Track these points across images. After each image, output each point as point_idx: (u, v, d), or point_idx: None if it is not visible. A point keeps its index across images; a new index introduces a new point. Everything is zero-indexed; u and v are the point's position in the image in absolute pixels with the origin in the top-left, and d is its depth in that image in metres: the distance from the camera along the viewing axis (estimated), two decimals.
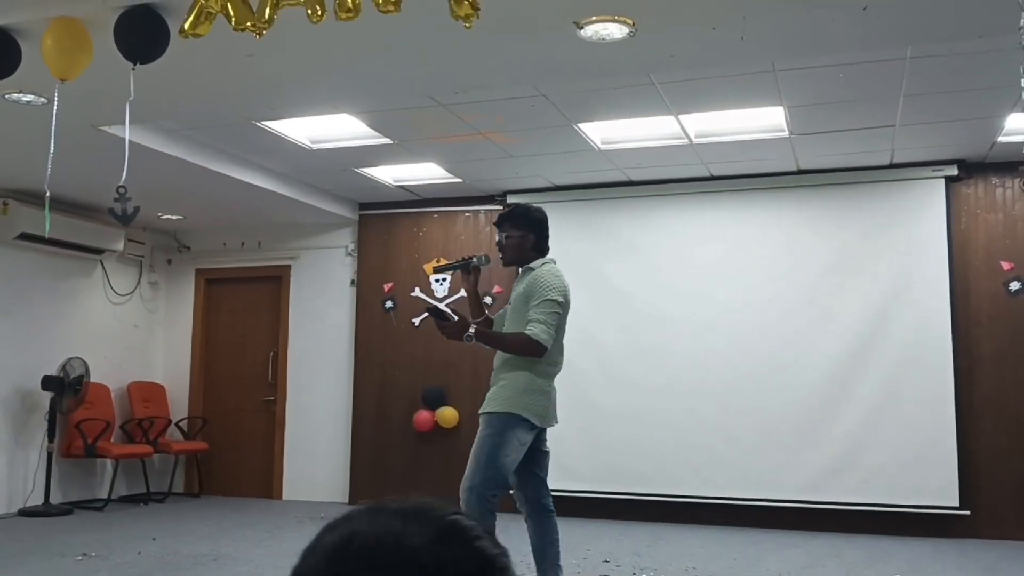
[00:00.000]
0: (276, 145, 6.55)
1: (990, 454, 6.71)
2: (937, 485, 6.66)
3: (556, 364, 4.29)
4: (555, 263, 4.34)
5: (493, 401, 4.18)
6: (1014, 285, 6.80)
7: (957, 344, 6.77)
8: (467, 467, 4.16)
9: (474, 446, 4.17)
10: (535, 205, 4.50)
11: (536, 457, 4.32)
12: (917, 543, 6.42)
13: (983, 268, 6.89)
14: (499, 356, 4.25)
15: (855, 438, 6.89)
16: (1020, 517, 6.59)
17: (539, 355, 4.12)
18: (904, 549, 6.18)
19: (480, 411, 4.21)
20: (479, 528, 0.82)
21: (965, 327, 6.83)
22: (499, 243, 4.33)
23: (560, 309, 4.16)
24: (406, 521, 0.79)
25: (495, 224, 4.43)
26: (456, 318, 4.18)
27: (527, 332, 4.07)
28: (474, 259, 4.40)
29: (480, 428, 4.17)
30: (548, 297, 4.12)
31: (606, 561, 5.73)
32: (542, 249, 4.34)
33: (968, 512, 6.62)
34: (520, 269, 4.32)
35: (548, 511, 4.36)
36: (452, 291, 8.29)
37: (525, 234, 4.28)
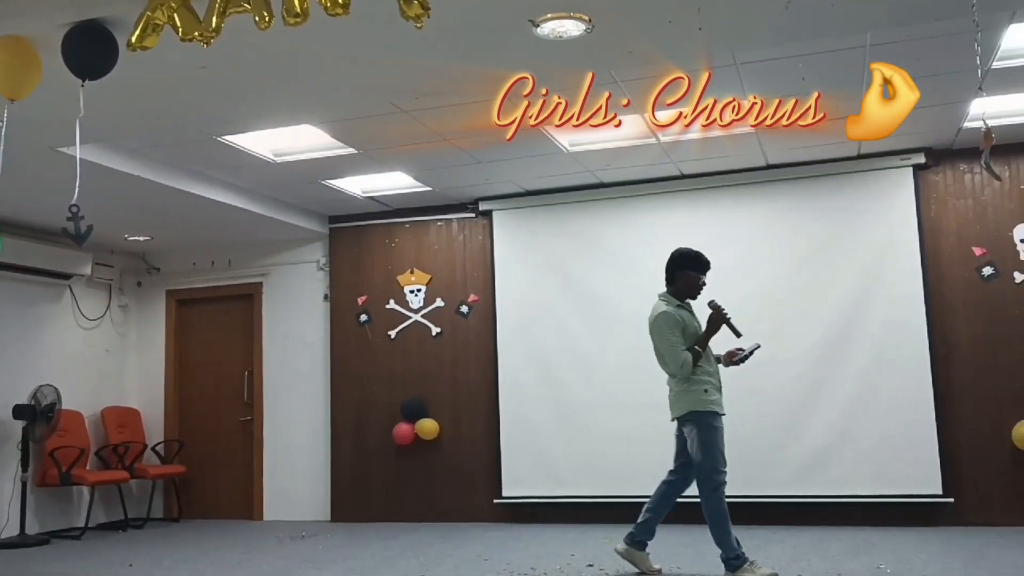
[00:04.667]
0: (239, 160, 6.47)
1: (971, 440, 6.70)
2: (919, 474, 6.65)
3: None
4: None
5: None
6: (987, 270, 6.81)
7: (933, 332, 6.77)
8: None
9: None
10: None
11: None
12: (902, 533, 6.40)
13: (955, 255, 6.89)
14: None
15: (836, 431, 6.87)
16: (1005, 502, 6.58)
17: None
18: (889, 539, 6.15)
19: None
20: None
21: (940, 314, 6.84)
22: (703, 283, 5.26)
23: None
24: None
25: (705, 269, 5.25)
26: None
27: None
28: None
29: None
30: None
31: (590, 565, 5.67)
32: None
33: (952, 500, 6.60)
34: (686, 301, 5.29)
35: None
36: (427, 303, 8.22)
37: None
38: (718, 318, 5.09)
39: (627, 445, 7.35)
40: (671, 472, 5.25)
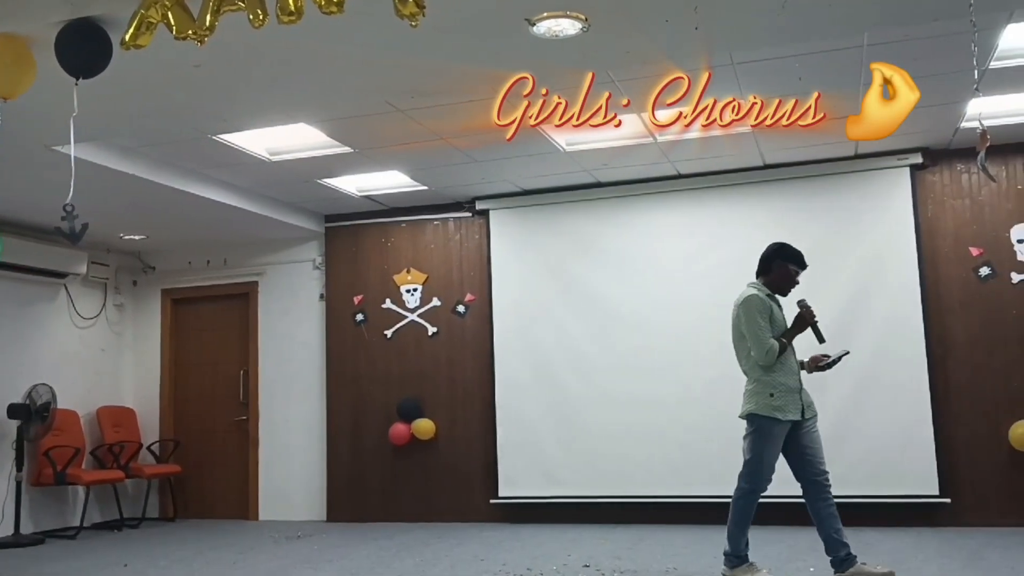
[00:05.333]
0: (234, 159, 6.45)
1: (968, 440, 6.69)
2: (916, 474, 6.64)
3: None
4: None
5: None
6: (984, 270, 6.80)
7: (930, 332, 6.76)
8: (823, 455, 5.01)
9: (821, 438, 5.04)
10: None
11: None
12: (899, 533, 6.39)
13: (952, 255, 6.89)
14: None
15: (833, 430, 6.81)
16: (1002, 503, 6.58)
17: None
18: (886, 540, 6.14)
19: (816, 413, 5.04)
20: None
21: (937, 314, 6.83)
22: (796, 280, 5.08)
23: None
24: None
25: (803, 266, 5.08)
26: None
27: None
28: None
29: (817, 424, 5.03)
30: None
31: (586, 566, 5.65)
32: None
33: (949, 500, 6.60)
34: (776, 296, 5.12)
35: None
36: (423, 302, 8.20)
37: None
38: (806, 317, 4.92)
39: (625, 445, 7.34)
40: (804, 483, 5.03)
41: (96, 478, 7.96)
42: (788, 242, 5.15)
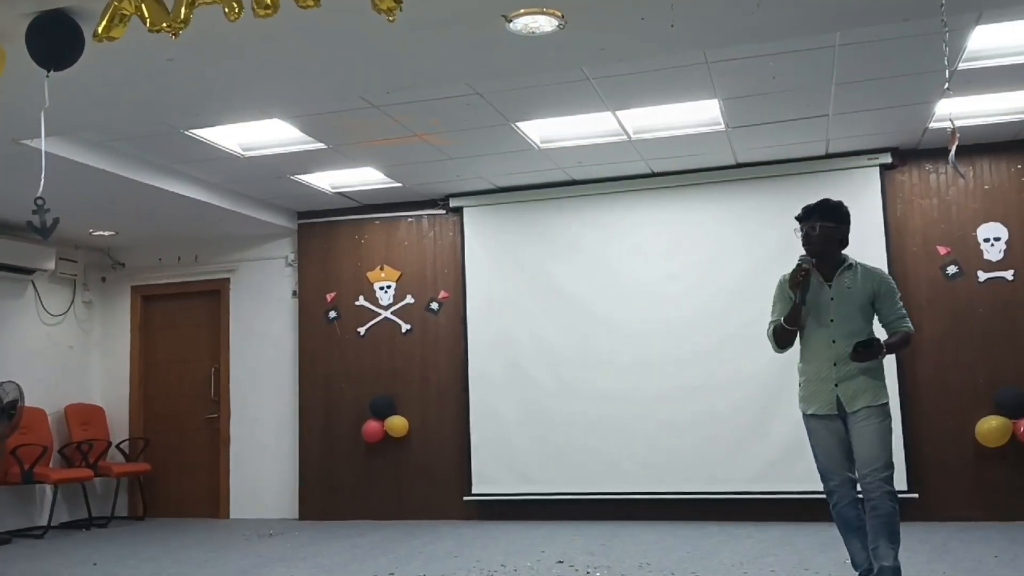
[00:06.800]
0: (206, 154, 6.39)
1: (935, 436, 6.78)
2: None
3: None
4: None
5: (882, 391, 4.16)
6: (951, 269, 6.90)
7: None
8: (871, 456, 4.05)
9: (874, 436, 4.06)
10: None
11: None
12: None
13: (920, 253, 6.98)
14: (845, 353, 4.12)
15: (802, 427, 6.89)
16: (969, 498, 6.68)
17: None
18: None
19: (870, 404, 4.09)
20: None
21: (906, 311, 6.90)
22: (807, 235, 4.24)
23: None
24: None
25: (802, 217, 4.29)
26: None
27: (907, 328, 4.30)
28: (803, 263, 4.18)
29: (876, 419, 4.08)
30: (898, 291, 4.34)
31: (560, 562, 5.67)
32: (846, 244, 4.32)
33: (916, 495, 6.68)
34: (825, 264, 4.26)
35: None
36: (396, 299, 8.18)
37: (837, 226, 4.25)
38: (792, 277, 4.12)
39: (598, 442, 7.37)
40: None
41: (64, 477, 7.86)
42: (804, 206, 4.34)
